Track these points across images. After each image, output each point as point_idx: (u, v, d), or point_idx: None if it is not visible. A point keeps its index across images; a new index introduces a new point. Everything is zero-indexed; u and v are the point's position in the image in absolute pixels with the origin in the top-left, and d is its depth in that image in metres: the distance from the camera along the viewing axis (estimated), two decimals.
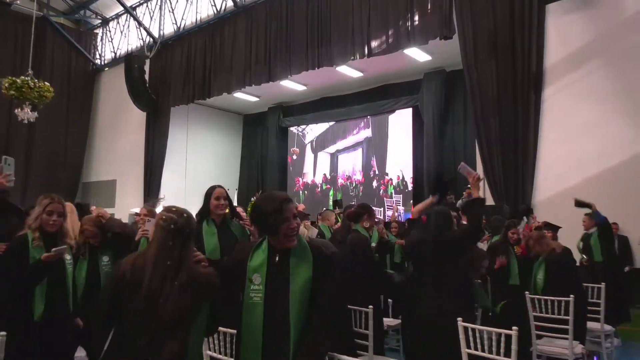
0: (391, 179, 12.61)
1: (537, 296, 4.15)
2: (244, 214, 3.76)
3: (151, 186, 13.98)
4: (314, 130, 14.83)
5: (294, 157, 15.32)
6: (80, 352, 3.50)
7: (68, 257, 3.04)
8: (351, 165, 13.81)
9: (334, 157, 14.29)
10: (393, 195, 12.44)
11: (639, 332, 5.99)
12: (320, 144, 14.69)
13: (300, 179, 14.99)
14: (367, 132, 13.47)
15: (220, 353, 2.68)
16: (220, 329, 2.55)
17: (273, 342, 1.98)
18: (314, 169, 14.77)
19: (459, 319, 3.00)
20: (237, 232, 3.48)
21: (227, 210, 3.56)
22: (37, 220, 2.90)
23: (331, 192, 14.12)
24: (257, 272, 2.05)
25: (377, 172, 13.01)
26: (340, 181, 13.98)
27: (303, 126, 15.03)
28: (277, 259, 2.06)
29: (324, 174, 14.39)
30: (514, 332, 2.75)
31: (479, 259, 3.88)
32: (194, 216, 3.70)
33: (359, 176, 13.53)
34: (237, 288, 2.12)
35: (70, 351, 3.16)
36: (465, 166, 3.61)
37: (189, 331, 1.91)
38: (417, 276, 3.43)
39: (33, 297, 2.78)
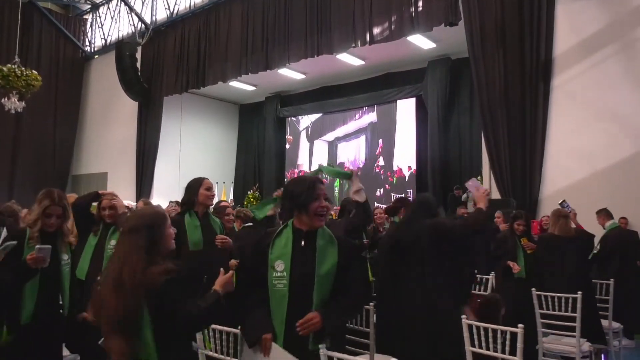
0: (409, 167, 12.25)
1: (544, 293, 4.07)
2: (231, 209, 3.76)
3: (144, 179, 13.69)
4: (309, 116, 14.50)
5: (287, 145, 15.01)
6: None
7: (65, 256, 2.91)
8: (353, 155, 13.47)
9: (332, 145, 13.97)
10: (404, 189, 12.14)
11: None
12: (317, 131, 14.35)
13: (295, 170, 14.65)
14: (371, 117, 13.10)
15: (222, 353, 2.59)
16: (220, 328, 2.52)
17: (295, 327, 2.01)
18: (309, 160, 14.45)
19: (464, 316, 2.97)
20: (215, 226, 3.46)
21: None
22: (37, 223, 2.79)
23: (336, 183, 13.78)
24: (280, 259, 2.09)
25: (385, 163, 12.67)
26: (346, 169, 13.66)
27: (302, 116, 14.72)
28: (302, 242, 2.12)
29: (320, 164, 14.05)
30: (519, 329, 2.71)
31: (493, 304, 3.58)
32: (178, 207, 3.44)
33: (361, 166, 13.19)
34: (258, 278, 2.14)
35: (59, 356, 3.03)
36: (475, 181, 3.46)
37: (135, 332, 1.80)
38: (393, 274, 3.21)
39: (22, 298, 2.68)
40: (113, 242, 3.58)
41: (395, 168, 12.39)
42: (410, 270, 3.05)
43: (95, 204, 3.62)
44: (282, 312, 2.05)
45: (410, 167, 12.16)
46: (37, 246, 2.62)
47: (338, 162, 13.73)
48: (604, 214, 6.42)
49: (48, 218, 2.80)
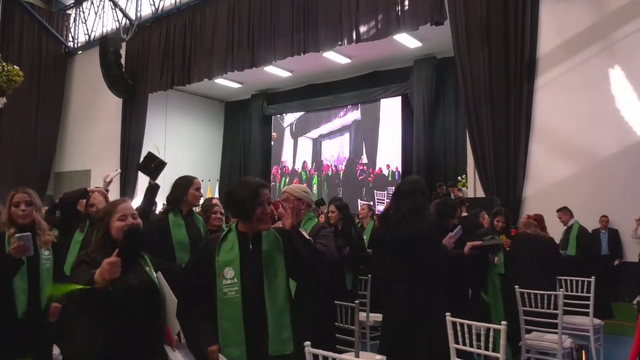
0: (388, 166, 12.33)
1: (527, 290, 4.08)
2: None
3: (128, 176, 13.53)
4: (294, 113, 14.47)
5: (272, 142, 14.97)
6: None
7: (46, 252, 2.87)
8: (337, 152, 13.48)
9: (316, 142, 13.96)
10: (387, 187, 12.18)
11: (628, 327, 5.91)
12: (302, 128, 14.32)
13: (278, 167, 14.63)
14: (355, 115, 13.14)
15: None
16: None
17: (253, 333, 1.98)
18: (293, 156, 14.44)
19: (448, 314, 2.95)
20: (200, 225, 3.40)
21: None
22: (6, 215, 2.80)
23: (315, 181, 13.81)
24: (228, 266, 2.02)
25: (368, 161, 12.71)
26: (324, 169, 13.66)
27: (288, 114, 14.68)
28: (250, 246, 2.06)
29: (305, 161, 14.05)
30: (502, 326, 2.71)
31: None
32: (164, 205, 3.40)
33: (345, 165, 13.22)
34: (203, 289, 2.08)
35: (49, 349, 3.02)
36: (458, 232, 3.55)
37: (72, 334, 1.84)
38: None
39: (14, 293, 2.70)
40: None
41: (378, 166, 12.43)
42: (400, 268, 3.05)
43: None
44: (239, 321, 1.98)
45: (389, 166, 12.22)
46: (17, 235, 2.58)
47: (322, 159, 13.74)
48: (568, 212, 6.49)
49: (17, 207, 2.78)
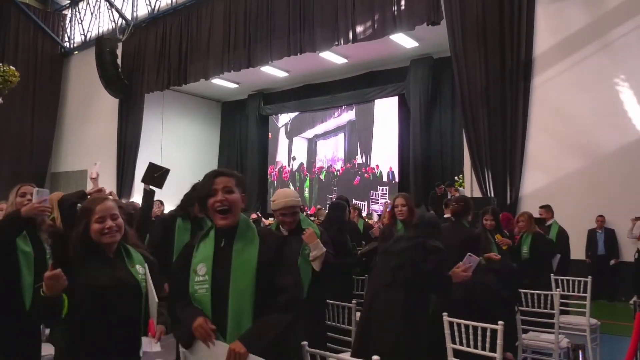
0: (377, 166, 12.32)
1: (524, 290, 4.11)
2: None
3: (124, 177, 13.50)
4: (289, 112, 14.46)
5: (269, 143, 14.97)
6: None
7: (49, 249, 2.87)
8: (331, 152, 13.47)
9: (311, 142, 13.95)
10: (379, 187, 12.19)
11: (624, 327, 5.92)
12: (297, 127, 14.31)
13: (274, 167, 14.63)
14: (350, 115, 13.14)
15: None
16: None
17: (221, 334, 1.82)
18: (288, 156, 14.43)
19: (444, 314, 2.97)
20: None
21: None
22: (12, 206, 2.82)
23: (307, 183, 13.81)
24: (202, 262, 1.89)
25: (364, 161, 12.70)
26: (318, 169, 13.65)
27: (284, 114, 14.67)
28: (222, 244, 1.90)
29: (301, 163, 14.05)
30: (499, 326, 2.71)
31: None
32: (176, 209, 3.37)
33: (340, 165, 13.22)
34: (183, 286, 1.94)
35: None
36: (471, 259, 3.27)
37: None
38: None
39: (22, 287, 2.69)
40: None
41: (373, 166, 12.44)
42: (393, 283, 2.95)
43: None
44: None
45: (378, 166, 12.25)
46: (35, 189, 2.56)
47: (317, 159, 13.73)
48: (550, 211, 6.37)
49: (23, 197, 2.84)
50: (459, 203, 4.10)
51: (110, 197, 3.81)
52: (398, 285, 2.86)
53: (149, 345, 2.03)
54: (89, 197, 3.51)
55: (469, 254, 3.10)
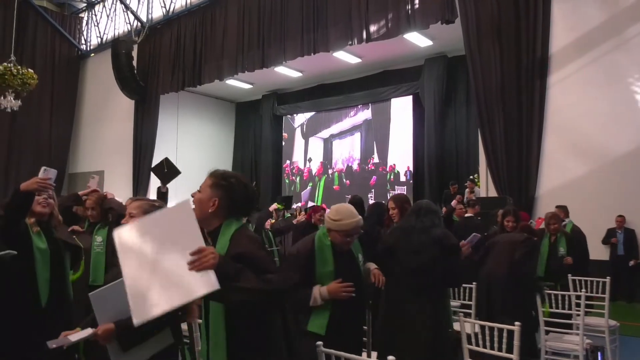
0: (394, 165, 12.26)
1: (547, 291, 4.11)
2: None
3: (140, 177, 13.64)
4: (305, 113, 14.48)
5: (283, 143, 14.99)
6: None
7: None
8: (348, 151, 13.44)
9: (327, 142, 13.94)
10: (396, 187, 12.12)
11: None
12: (312, 128, 14.31)
13: (289, 167, 14.65)
14: (366, 114, 13.09)
15: None
16: None
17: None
18: (304, 157, 14.45)
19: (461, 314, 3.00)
20: None
21: None
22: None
23: (322, 182, 13.81)
24: None
25: (380, 160, 12.65)
26: (334, 169, 13.64)
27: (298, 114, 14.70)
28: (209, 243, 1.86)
29: (319, 162, 14.06)
30: (516, 327, 2.69)
31: None
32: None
33: (356, 165, 13.19)
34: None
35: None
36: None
37: None
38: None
39: (37, 283, 2.71)
40: (99, 239, 3.81)
41: (389, 165, 12.39)
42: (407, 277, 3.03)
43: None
44: (203, 318, 1.92)
45: (394, 166, 12.19)
46: (43, 167, 2.54)
47: (333, 159, 13.72)
48: (564, 211, 6.26)
49: (38, 195, 2.76)
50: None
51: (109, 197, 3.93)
52: (424, 292, 2.95)
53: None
54: (87, 199, 3.61)
55: (474, 233, 3.46)
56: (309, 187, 14.25)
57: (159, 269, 1.58)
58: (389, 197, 11.53)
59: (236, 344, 1.79)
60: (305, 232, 5.82)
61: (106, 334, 1.97)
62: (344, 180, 13.39)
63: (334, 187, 13.56)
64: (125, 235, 1.67)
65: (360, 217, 2.61)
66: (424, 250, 3.02)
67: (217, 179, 1.91)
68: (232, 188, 1.89)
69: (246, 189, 1.94)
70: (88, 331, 2.00)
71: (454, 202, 7.58)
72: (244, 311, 1.79)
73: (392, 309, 3.07)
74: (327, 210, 2.54)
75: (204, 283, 1.53)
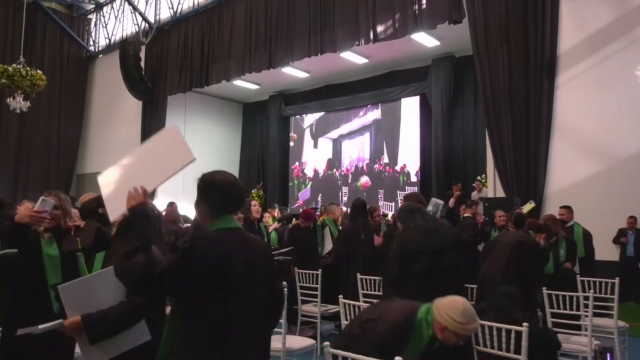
0: (404, 165, 12.23)
1: (555, 292, 4.10)
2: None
3: None
4: (314, 114, 14.48)
5: (291, 144, 15.00)
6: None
7: (78, 253, 2.89)
8: (357, 151, 13.41)
9: (336, 143, 13.94)
10: (406, 188, 12.07)
11: None
12: (322, 128, 14.30)
13: (297, 165, 14.67)
14: (376, 114, 13.05)
15: None
16: None
17: None
18: (314, 157, 14.44)
19: None
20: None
21: None
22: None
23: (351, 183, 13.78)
24: None
25: (389, 161, 12.62)
26: (343, 169, 13.63)
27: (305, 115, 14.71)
28: None
29: (328, 163, 14.05)
30: (524, 328, 2.69)
31: None
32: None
33: (365, 165, 13.15)
34: None
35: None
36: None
37: None
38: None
39: (48, 289, 2.71)
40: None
41: (399, 166, 12.35)
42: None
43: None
44: None
45: (405, 166, 12.16)
46: (42, 197, 2.59)
47: (342, 159, 13.71)
48: (570, 212, 6.22)
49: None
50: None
51: None
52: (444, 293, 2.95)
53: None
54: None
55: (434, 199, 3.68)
56: (310, 188, 14.25)
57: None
58: (399, 197, 11.39)
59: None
60: (297, 235, 5.92)
61: (72, 325, 2.04)
62: (354, 180, 13.34)
63: (341, 187, 13.55)
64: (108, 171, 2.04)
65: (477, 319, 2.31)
66: (447, 250, 3.03)
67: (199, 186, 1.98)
68: (201, 192, 1.94)
69: (214, 186, 1.94)
70: (57, 322, 2.06)
71: (451, 202, 7.64)
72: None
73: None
74: (439, 303, 2.22)
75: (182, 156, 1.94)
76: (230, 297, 1.75)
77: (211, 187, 1.93)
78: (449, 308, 2.17)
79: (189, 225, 4.90)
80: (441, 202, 3.77)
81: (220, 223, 1.87)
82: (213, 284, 1.72)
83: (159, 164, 1.80)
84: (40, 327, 2.05)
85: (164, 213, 5.30)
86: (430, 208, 3.58)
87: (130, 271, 1.65)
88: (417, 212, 3.22)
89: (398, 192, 12.18)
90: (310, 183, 14.30)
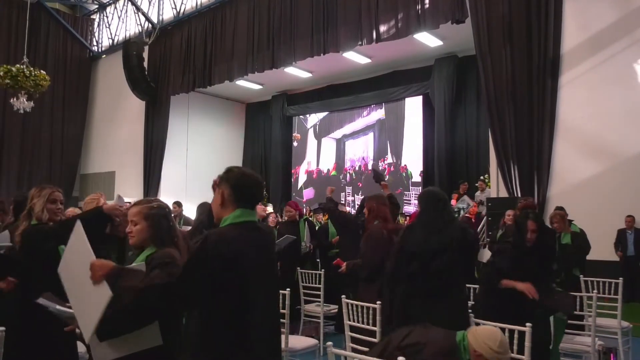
0: (405, 166, 12.22)
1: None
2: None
3: (151, 178, 13.73)
4: (317, 114, 14.48)
5: (295, 144, 15.00)
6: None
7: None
8: (361, 151, 13.40)
9: (340, 143, 13.93)
10: (411, 187, 12.06)
11: None
12: (325, 128, 14.30)
13: (299, 167, 14.67)
14: (379, 114, 13.03)
15: None
16: None
17: None
18: (317, 157, 14.45)
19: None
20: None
21: None
22: (45, 212, 2.80)
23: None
24: None
25: (394, 160, 12.60)
26: (347, 169, 13.63)
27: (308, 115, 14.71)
28: None
29: (333, 163, 14.05)
30: (527, 328, 2.69)
31: None
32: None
33: (370, 165, 13.13)
34: None
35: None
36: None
37: None
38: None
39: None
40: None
41: (403, 165, 12.34)
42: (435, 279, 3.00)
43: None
44: None
45: (406, 166, 12.13)
46: (117, 194, 2.80)
47: (346, 159, 13.71)
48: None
49: (53, 204, 2.83)
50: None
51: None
52: (445, 293, 2.96)
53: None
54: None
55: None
56: (314, 188, 14.25)
57: (81, 292, 1.82)
58: (404, 199, 11.40)
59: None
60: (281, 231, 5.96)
61: (104, 264, 2.06)
62: (357, 180, 13.34)
63: (346, 187, 13.55)
64: (62, 265, 2.01)
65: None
66: (443, 251, 3.00)
67: (222, 174, 2.01)
68: (229, 178, 1.96)
69: (244, 177, 1.97)
70: (71, 311, 2.05)
71: (452, 202, 7.63)
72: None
73: (410, 311, 3.03)
74: (475, 331, 2.40)
75: (102, 294, 1.71)
76: (249, 292, 1.78)
77: (247, 177, 1.99)
78: (488, 338, 2.26)
79: (189, 227, 4.87)
80: (472, 201, 3.77)
81: (240, 214, 1.90)
82: (230, 281, 1.74)
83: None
84: (57, 307, 2.05)
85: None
86: (463, 205, 3.58)
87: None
88: (442, 202, 3.18)
89: (404, 192, 12.18)
90: (314, 183, 14.30)
